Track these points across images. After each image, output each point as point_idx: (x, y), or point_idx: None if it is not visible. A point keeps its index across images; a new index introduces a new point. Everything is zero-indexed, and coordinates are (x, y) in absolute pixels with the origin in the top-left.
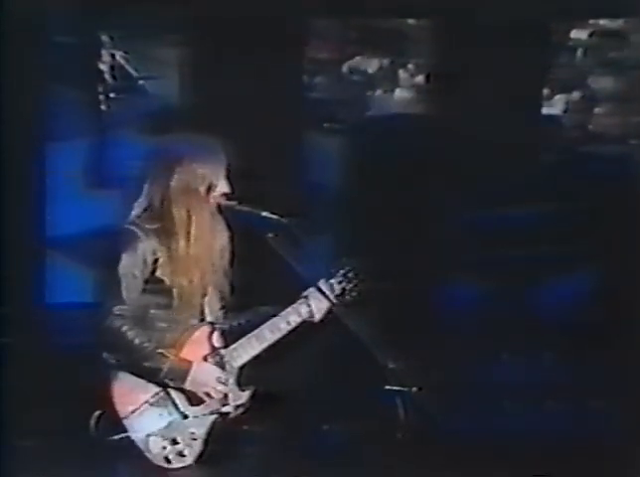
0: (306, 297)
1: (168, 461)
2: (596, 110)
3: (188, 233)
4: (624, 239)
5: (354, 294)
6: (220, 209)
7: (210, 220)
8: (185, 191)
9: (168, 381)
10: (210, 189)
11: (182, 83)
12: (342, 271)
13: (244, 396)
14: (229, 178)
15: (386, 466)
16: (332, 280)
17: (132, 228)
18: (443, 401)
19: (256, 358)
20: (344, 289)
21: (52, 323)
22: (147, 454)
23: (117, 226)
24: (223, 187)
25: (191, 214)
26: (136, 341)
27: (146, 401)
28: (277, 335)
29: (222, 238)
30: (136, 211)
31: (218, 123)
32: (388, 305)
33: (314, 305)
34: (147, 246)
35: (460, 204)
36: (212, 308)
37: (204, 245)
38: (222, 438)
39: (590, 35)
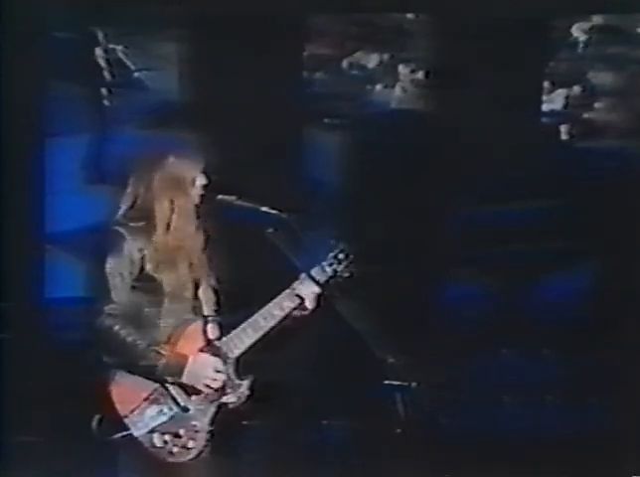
0: (299, 283)
1: (172, 455)
2: (597, 106)
3: (168, 224)
4: (625, 236)
5: (346, 275)
6: (197, 206)
7: (192, 212)
8: (167, 186)
9: (165, 377)
10: (191, 184)
11: (182, 78)
12: (332, 254)
13: (244, 385)
14: (207, 177)
15: (385, 461)
16: (323, 263)
17: (117, 228)
18: (443, 397)
19: (255, 353)
20: (335, 271)
21: (51, 318)
22: (151, 450)
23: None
24: (201, 184)
25: (173, 205)
26: (129, 339)
27: (146, 399)
28: (271, 322)
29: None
30: (122, 209)
31: (218, 118)
32: (387, 300)
33: (305, 290)
34: (133, 246)
35: (460, 200)
36: (207, 301)
37: (187, 237)
38: (224, 430)
39: (590, 30)
